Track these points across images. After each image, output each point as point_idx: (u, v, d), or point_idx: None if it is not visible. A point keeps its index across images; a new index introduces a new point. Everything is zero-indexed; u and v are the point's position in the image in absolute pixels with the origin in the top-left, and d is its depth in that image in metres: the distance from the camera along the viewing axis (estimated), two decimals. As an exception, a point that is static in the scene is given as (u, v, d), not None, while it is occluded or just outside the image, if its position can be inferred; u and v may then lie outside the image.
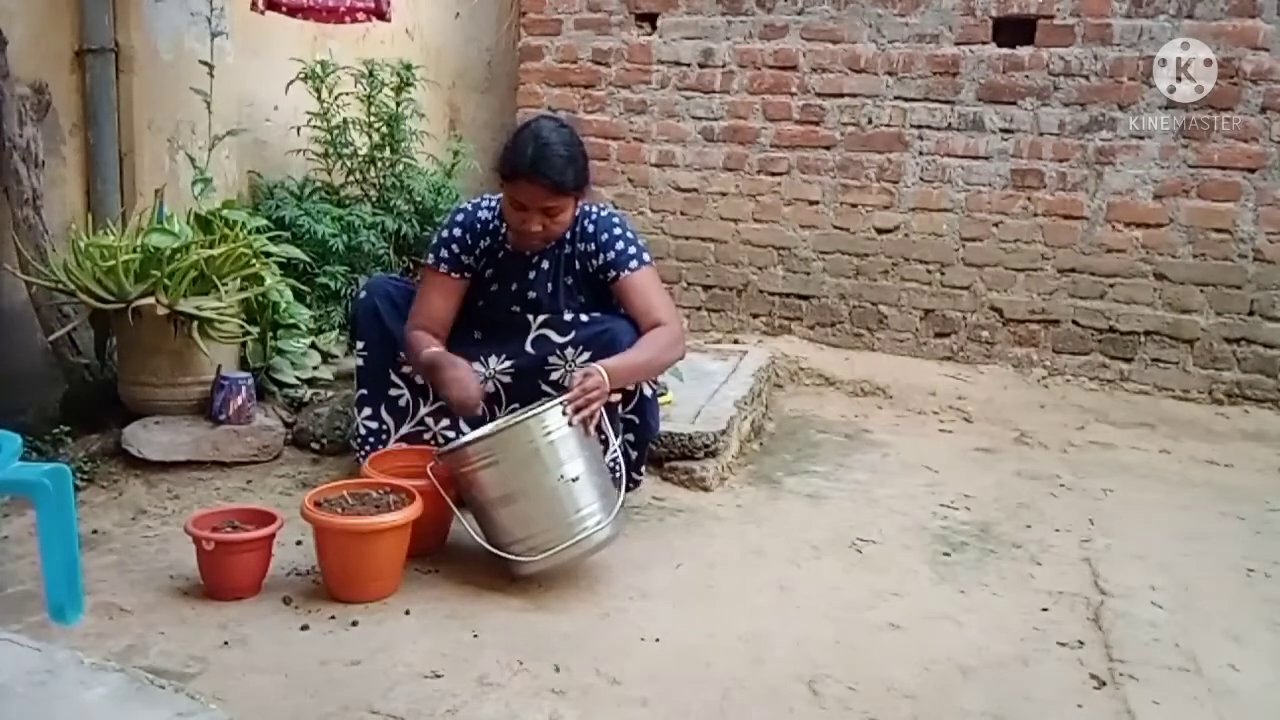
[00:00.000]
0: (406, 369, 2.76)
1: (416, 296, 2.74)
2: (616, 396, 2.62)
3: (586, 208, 2.72)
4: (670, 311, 2.68)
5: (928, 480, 3.21)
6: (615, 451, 2.61)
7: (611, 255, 2.68)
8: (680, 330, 2.68)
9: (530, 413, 2.35)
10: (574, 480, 2.30)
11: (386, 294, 2.77)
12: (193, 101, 3.46)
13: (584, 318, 2.69)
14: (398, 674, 1.95)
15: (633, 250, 2.70)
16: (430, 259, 2.74)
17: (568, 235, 2.70)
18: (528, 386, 2.63)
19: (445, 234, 2.74)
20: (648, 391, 2.73)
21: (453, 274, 2.72)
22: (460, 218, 2.75)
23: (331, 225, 3.79)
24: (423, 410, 2.78)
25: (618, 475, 2.63)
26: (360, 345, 2.79)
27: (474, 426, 2.69)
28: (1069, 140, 4.25)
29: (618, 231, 2.72)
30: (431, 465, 2.42)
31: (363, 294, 2.80)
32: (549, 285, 2.73)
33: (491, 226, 2.74)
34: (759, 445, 3.49)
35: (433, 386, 2.65)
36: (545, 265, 2.73)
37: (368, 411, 2.78)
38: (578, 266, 2.73)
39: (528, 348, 2.70)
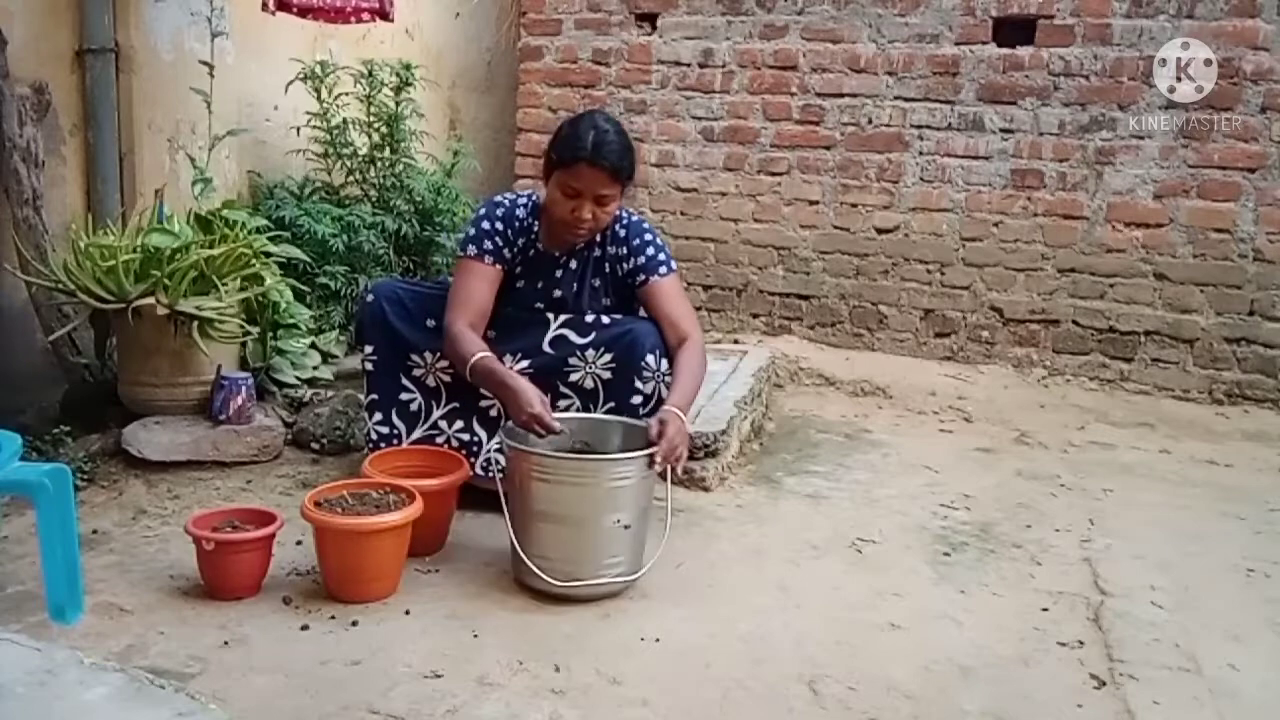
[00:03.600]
0: (417, 372, 2.73)
1: (454, 288, 2.65)
2: (638, 399, 2.62)
3: (618, 212, 2.70)
4: (693, 320, 2.70)
5: (928, 480, 3.21)
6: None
7: (643, 260, 2.70)
8: (702, 338, 2.70)
9: (618, 455, 2.33)
10: (626, 527, 2.29)
11: (394, 297, 2.74)
12: (193, 101, 3.46)
13: (605, 319, 2.69)
14: (398, 674, 1.95)
15: (662, 256, 2.72)
16: (471, 250, 2.66)
17: (597, 238, 2.71)
18: (545, 387, 2.55)
19: (486, 225, 2.68)
20: (665, 395, 2.71)
21: (496, 264, 2.66)
22: (500, 211, 2.71)
23: (331, 225, 3.79)
24: (435, 414, 2.75)
25: None
26: (369, 350, 2.75)
27: (488, 428, 2.70)
28: (1069, 140, 4.25)
29: (649, 237, 2.74)
30: (505, 444, 2.37)
31: (369, 297, 2.76)
32: (574, 285, 2.73)
33: (527, 224, 2.72)
34: (759, 445, 3.49)
35: (489, 393, 2.60)
36: (573, 265, 2.73)
37: (378, 417, 2.75)
38: (607, 270, 2.73)
39: (545, 347, 2.68)
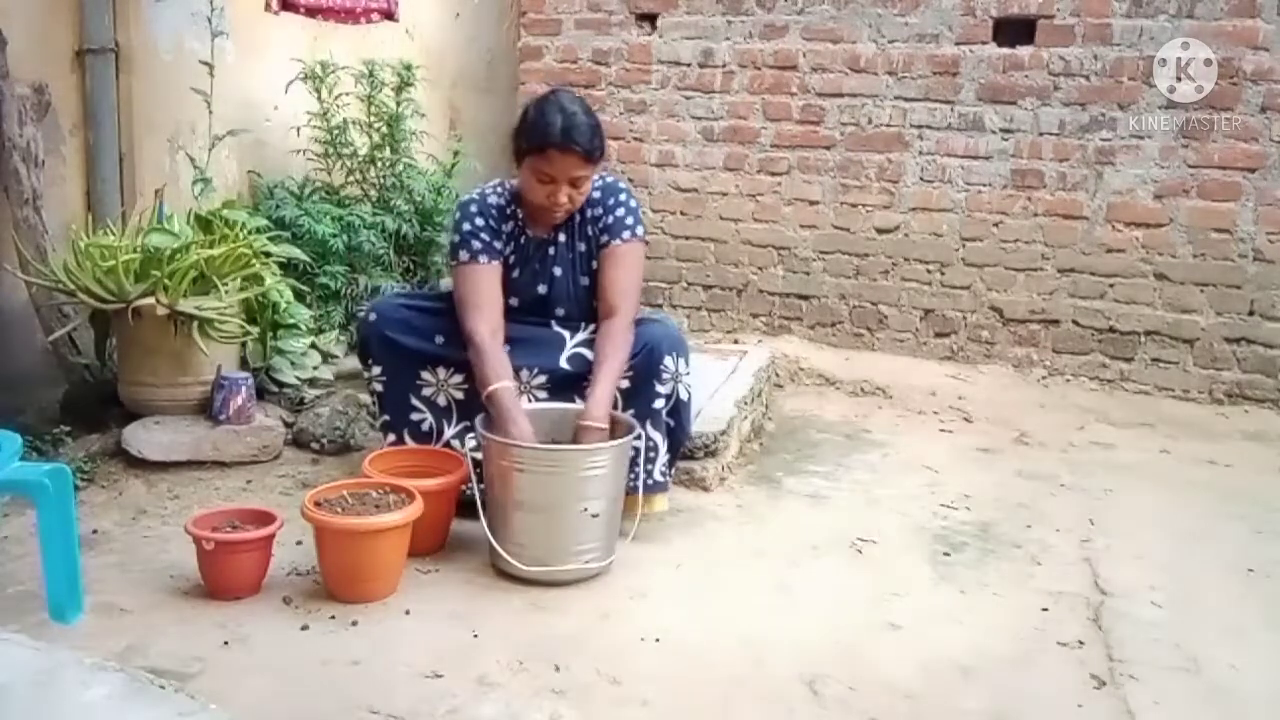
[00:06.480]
0: (428, 391, 2.70)
1: (463, 294, 2.61)
2: (660, 402, 2.64)
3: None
4: (633, 296, 2.67)
5: (928, 480, 3.21)
6: (662, 455, 2.69)
7: (611, 220, 2.70)
8: (632, 312, 2.65)
9: (584, 446, 2.41)
10: (594, 516, 2.35)
11: (398, 317, 2.68)
12: (193, 101, 3.46)
13: None
14: (398, 674, 1.95)
15: (630, 220, 2.72)
16: (464, 255, 2.63)
17: None
18: (563, 401, 2.62)
19: (467, 226, 2.66)
20: (684, 395, 2.71)
21: (491, 260, 2.65)
22: (474, 208, 2.69)
23: (331, 225, 3.79)
24: (448, 433, 2.71)
25: (656, 479, 2.69)
26: (377, 371, 2.70)
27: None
28: (1069, 140, 4.25)
29: (623, 198, 2.74)
30: (480, 435, 2.43)
31: (371, 317, 2.69)
32: (569, 257, 2.73)
33: (509, 210, 2.72)
34: (759, 445, 3.49)
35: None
36: (562, 238, 2.73)
37: (392, 438, 2.73)
38: (589, 232, 2.74)
39: (563, 364, 2.66)
